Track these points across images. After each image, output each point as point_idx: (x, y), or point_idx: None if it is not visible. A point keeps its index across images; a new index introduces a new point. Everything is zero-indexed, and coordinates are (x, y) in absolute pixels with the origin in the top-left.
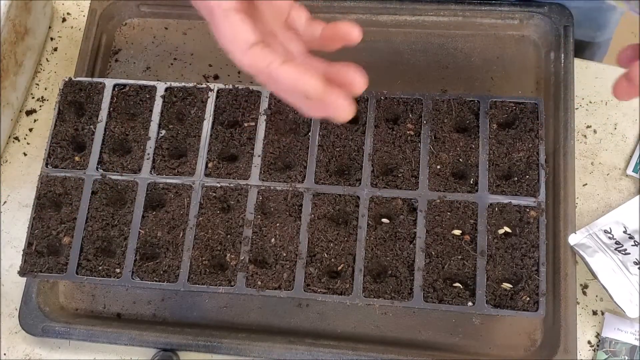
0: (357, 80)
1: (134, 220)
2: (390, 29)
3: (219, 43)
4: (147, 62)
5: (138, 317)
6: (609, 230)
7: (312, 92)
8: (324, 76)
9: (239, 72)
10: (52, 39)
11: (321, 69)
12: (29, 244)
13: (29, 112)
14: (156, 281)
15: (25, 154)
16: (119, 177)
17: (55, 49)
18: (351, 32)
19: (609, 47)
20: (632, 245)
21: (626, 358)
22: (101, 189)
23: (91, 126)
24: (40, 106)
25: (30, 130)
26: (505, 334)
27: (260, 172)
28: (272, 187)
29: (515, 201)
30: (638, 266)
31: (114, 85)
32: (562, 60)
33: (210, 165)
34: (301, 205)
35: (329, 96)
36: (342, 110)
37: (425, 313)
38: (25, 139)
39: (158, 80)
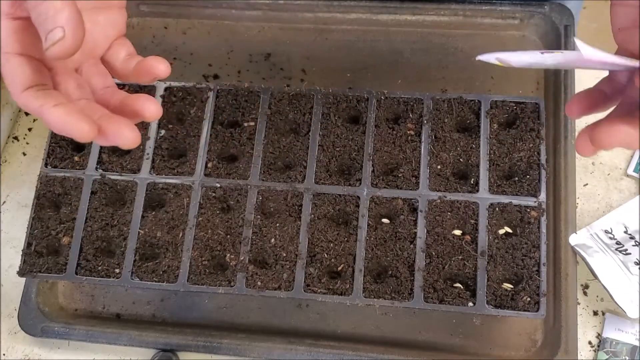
0: (146, 108)
1: (134, 220)
2: (391, 28)
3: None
4: None
5: (137, 317)
6: (610, 231)
7: (79, 135)
8: (118, 104)
9: (239, 72)
10: None
11: (114, 101)
12: (28, 244)
13: (29, 112)
14: (156, 281)
15: (24, 154)
16: (119, 177)
17: None
18: (157, 67)
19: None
20: (633, 246)
21: (627, 358)
22: (100, 189)
23: None
24: None
25: (30, 130)
26: (505, 334)
27: (260, 172)
28: (272, 187)
29: (516, 201)
30: (639, 266)
31: None
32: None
33: (210, 165)
34: (301, 205)
35: (104, 133)
36: (124, 139)
37: (425, 313)
38: (24, 138)
39: (157, 80)
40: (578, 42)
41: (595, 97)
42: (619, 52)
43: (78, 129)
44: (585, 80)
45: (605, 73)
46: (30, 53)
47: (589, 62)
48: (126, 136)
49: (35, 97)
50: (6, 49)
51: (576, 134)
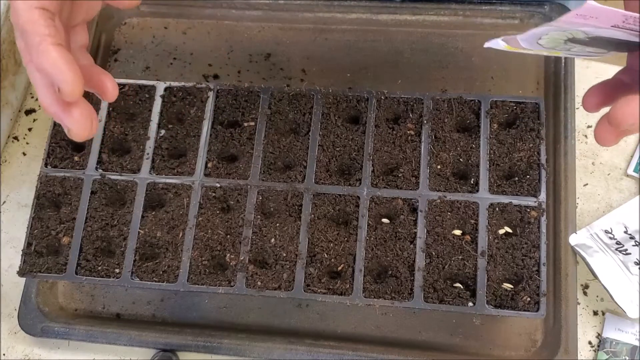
0: (109, 85)
1: (134, 220)
2: (391, 28)
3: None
4: (147, 61)
5: (137, 317)
6: (610, 231)
7: (66, 81)
8: (85, 66)
9: (239, 72)
10: None
11: (82, 62)
12: (28, 244)
13: (29, 112)
14: (155, 281)
15: (24, 154)
16: (119, 177)
17: None
18: (105, 85)
19: None
20: (633, 246)
21: (627, 358)
22: (100, 189)
23: None
24: (39, 106)
25: (30, 130)
26: (505, 334)
27: (260, 172)
28: (272, 187)
29: (516, 201)
30: (639, 266)
31: None
32: (563, 60)
33: (209, 165)
34: (301, 205)
35: (72, 107)
36: (78, 124)
37: (425, 313)
38: (24, 138)
39: (157, 80)
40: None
41: (613, 87)
42: (629, 57)
43: (68, 76)
44: (585, 79)
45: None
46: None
47: (601, 14)
48: (108, 86)
49: (45, 23)
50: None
51: (576, 133)
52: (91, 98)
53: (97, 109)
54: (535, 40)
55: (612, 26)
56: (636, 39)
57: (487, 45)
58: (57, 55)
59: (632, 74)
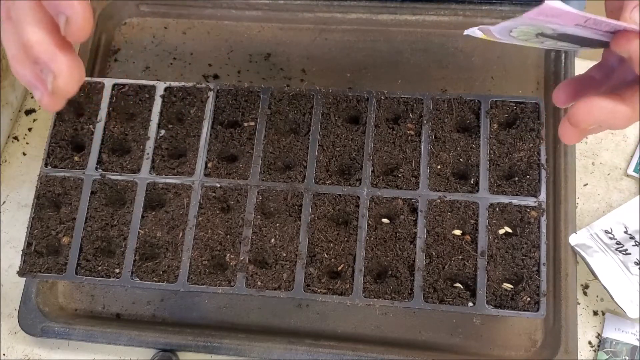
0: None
1: (134, 220)
2: (391, 28)
3: None
4: (147, 61)
5: (137, 317)
6: (610, 231)
7: (77, 15)
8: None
9: (239, 72)
10: None
11: None
12: (28, 244)
13: (28, 112)
14: (155, 281)
15: (24, 154)
16: (119, 177)
17: None
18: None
19: None
20: (633, 246)
21: (627, 358)
22: (100, 189)
23: (90, 126)
24: (39, 106)
25: (30, 130)
26: (505, 334)
27: (260, 172)
28: (272, 187)
29: (516, 201)
30: (639, 266)
31: (113, 85)
32: (563, 60)
33: (209, 165)
34: (301, 205)
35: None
36: (70, 68)
37: (425, 313)
38: (24, 138)
39: (157, 80)
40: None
41: (583, 83)
42: (604, 53)
43: (79, 8)
44: None
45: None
46: None
47: (555, 13)
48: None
49: None
50: None
51: None
52: (91, 98)
53: (97, 109)
54: (507, 32)
55: (575, 25)
56: (602, 38)
57: (466, 33)
58: None
59: (603, 70)
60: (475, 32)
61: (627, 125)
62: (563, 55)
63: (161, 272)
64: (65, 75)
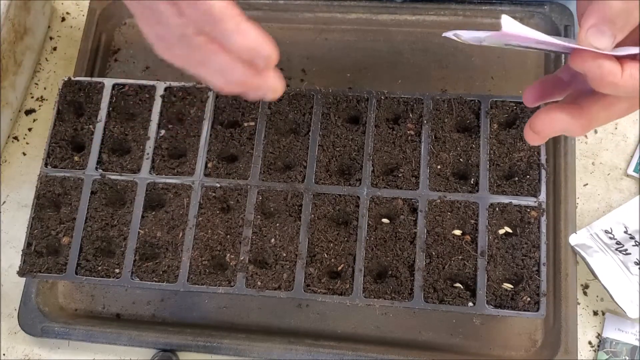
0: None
1: (134, 220)
2: (391, 28)
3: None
4: (147, 61)
5: (137, 317)
6: (610, 231)
7: (269, 52)
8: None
9: None
10: (51, 38)
11: None
12: (28, 244)
13: (28, 112)
14: (155, 281)
15: (24, 154)
16: (119, 177)
17: (55, 49)
18: None
19: None
20: (633, 246)
21: (627, 358)
22: (100, 189)
23: (90, 126)
24: (39, 106)
25: (30, 130)
26: (505, 334)
27: (260, 172)
28: (272, 187)
29: (516, 201)
30: (639, 266)
31: (114, 85)
32: (563, 60)
33: (209, 165)
34: (301, 205)
35: (265, 71)
36: (276, 81)
37: (425, 313)
38: (24, 138)
39: (157, 80)
40: (504, 18)
41: (552, 84)
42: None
43: (269, 46)
44: None
45: None
46: None
47: (514, 37)
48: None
49: (235, 5)
50: None
51: None
52: (91, 98)
53: (97, 109)
54: (478, 42)
55: (536, 42)
56: (563, 50)
57: (444, 35)
58: (256, 31)
59: (571, 71)
60: (450, 35)
61: (583, 134)
62: (563, 55)
63: (161, 272)
64: (276, 85)
